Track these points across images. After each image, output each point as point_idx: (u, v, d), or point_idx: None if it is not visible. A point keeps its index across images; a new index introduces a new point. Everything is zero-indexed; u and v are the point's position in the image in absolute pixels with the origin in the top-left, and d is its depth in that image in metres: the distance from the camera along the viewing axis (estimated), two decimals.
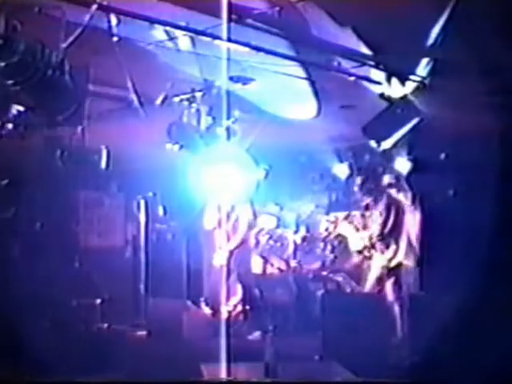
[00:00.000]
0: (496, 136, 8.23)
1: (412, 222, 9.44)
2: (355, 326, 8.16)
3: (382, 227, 9.30)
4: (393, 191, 9.58)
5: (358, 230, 9.71)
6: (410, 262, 9.27)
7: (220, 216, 8.41)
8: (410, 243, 9.28)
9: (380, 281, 9.23)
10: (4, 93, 6.22)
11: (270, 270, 10.45)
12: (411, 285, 9.39)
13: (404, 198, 9.53)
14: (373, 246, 9.35)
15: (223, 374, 7.08)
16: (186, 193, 7.81)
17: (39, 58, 6.03)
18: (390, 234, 9.30)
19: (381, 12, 6.32)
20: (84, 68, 6.67)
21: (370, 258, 9.42)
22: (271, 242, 10.37)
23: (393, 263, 9.24)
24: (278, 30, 7.03)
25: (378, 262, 9.30)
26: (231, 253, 8.83)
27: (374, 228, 9.34)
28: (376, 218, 9.41)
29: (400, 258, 9.26)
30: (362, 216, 9.80)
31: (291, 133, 9.23)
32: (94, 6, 5.87)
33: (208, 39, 6.68)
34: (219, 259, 8.79)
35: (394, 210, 9.34)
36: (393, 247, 9.24)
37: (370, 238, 9.33)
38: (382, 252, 9.26)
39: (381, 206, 9.40)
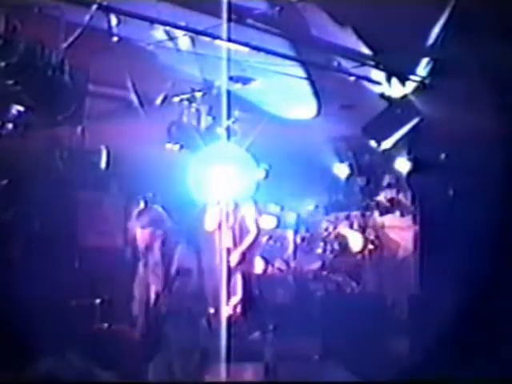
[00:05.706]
0: (496, 136, 8.22)
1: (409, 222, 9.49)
2: (355, 326, 8.15)
3: None
4: (392, 191, 9.60)
5: (357, 229, 9.74)
6: None
7: (221, 216, 8.36)
8: None
9: None
10: (4, 93, 6.22)
11: (270, 270, 10.42)
12: (411, 285, 9.39)
13: (404, 198, 9.54)
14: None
15: (223, 374, 7.09)
16: (186, 193, 7.80)
17: (39, 57, 6.04)
18: None
19: (381, 12, 6.34)
20: (84, 68, 6.67)
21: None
22: (271, 242, 10.33)
23: None
24: (277, 30, 7.04)
25: None
26: (244, 254, 8.54)
27: None
28: None
29: None
30: (362, 216, 9.82)
31: (291, 133, 9.22)
32: (94, 6, 5.88)
33: (208, 39, 6.69)
34: (233, 261, 8.48)
35: None
36: None
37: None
38: None
39: None
